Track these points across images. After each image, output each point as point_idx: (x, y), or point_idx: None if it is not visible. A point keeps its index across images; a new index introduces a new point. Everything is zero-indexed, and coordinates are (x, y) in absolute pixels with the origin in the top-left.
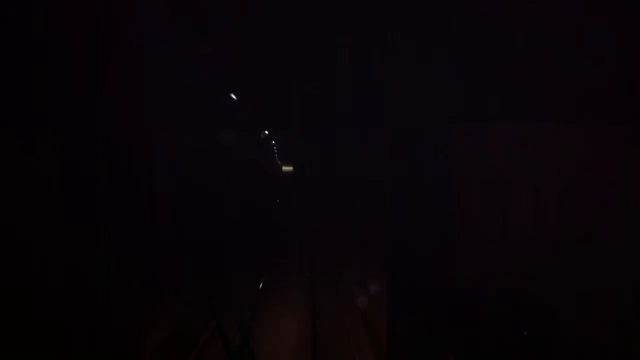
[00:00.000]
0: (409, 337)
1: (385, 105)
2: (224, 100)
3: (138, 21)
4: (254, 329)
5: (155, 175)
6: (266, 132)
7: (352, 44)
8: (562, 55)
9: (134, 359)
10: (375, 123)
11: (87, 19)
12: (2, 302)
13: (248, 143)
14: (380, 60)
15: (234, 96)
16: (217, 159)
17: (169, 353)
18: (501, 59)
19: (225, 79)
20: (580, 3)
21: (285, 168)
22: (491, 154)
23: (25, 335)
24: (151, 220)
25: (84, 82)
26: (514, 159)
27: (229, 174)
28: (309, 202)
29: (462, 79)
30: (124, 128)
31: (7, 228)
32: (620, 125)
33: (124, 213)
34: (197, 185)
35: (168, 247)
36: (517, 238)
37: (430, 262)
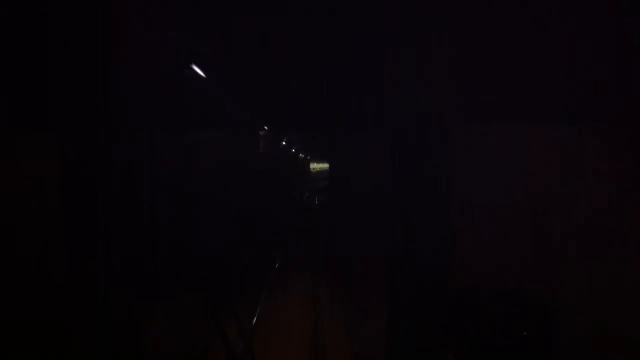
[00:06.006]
0: (408, 337)
1: (385, 105)
2: (229, 100)
3: (138, 20)
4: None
5: (155, 176)
6: (268, 128)
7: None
8: (562, 55)
9: (134, 359)
10: (375, 123)
11: (87, 19)
12: (2, 302)
13: (257, 143)
14: (380, 61)
15: (240, 96)
16: (219, 159)
17: (168, 354)
18: (501, 59)
19: (231, 78)
20: (580, 3)
21: (314, 166)
22: (491, 154)
23: (25, 335)
24: (151, 220)
25: (84, 81)
26: (514, 160)
27: (232, 175)
28: (311, 201)
29: (462, 80)
30: (124, 128)
31: (7, 228)
32: (620, 125)
33: (124, 213)
34: (196, 185)
35: (168, 248)
36: (517, 238)
37: (430, 262)
